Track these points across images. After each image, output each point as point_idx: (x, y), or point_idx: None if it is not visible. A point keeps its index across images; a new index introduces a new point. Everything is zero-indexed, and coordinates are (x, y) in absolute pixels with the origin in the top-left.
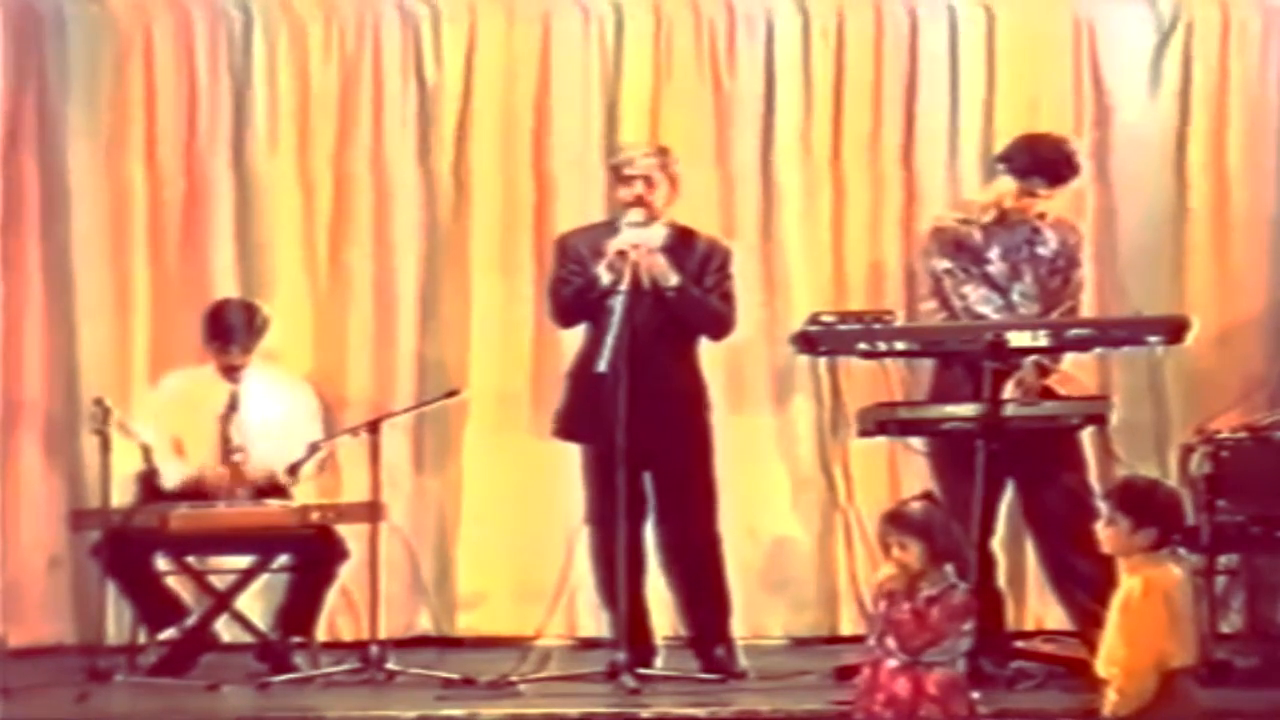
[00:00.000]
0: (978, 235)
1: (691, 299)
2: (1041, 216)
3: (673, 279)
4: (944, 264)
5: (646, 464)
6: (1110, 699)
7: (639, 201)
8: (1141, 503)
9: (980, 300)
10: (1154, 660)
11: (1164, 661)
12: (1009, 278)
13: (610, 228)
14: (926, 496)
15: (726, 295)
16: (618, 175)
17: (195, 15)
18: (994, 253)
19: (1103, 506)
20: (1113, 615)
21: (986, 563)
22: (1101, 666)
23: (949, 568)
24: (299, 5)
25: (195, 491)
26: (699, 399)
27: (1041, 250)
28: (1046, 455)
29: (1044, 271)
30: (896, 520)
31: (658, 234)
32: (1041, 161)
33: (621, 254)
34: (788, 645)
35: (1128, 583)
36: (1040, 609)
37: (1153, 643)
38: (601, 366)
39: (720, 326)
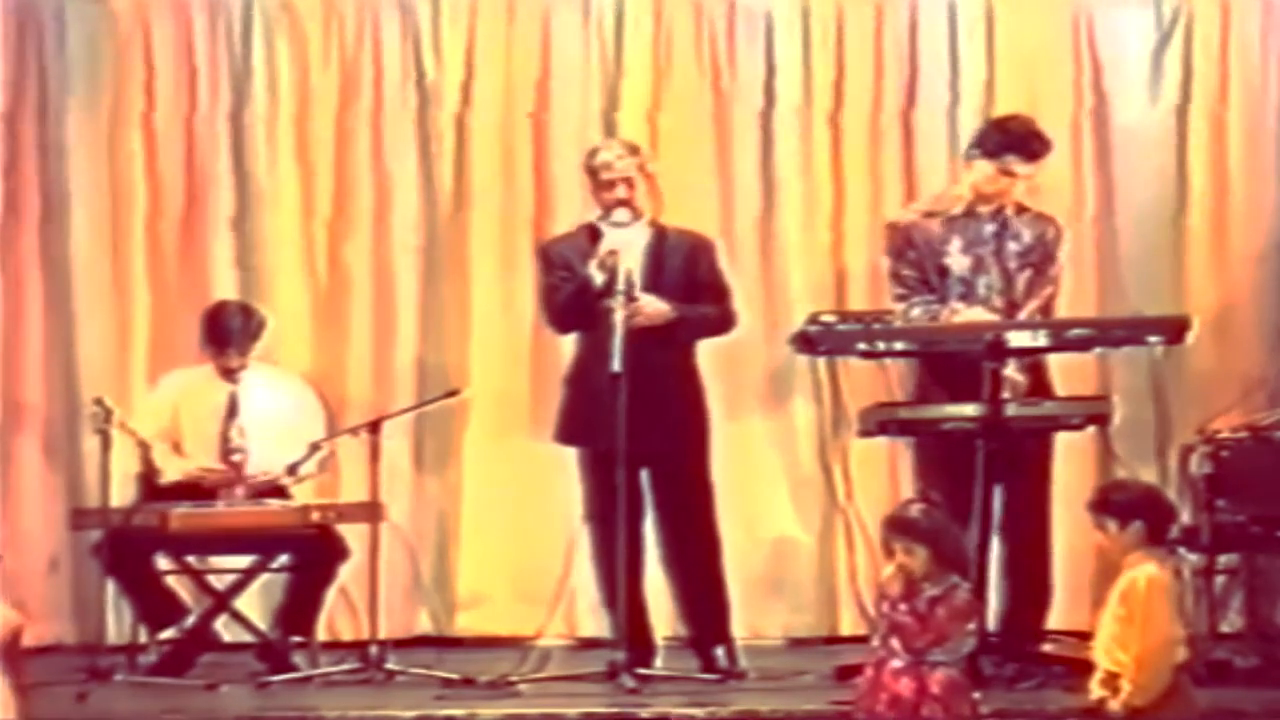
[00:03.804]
0: (937, 228)
1: (692, 322)
2: (1022, 211)
3: (670, 313)
4: (888, 264)
5: (645, 464)
6: (1124, 689)
7: (622, 203)
8: (1122, 501)
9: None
10: (1167, 651)
11: (1174, 653)
12: (972, 270)
13: (591, 231)
14: (924, 498)
15: (722, 290)
16: (596, 180)
17: (195, 14)
18: (954, 245)
19: (1089, 517)
20: (1112, 607)
21: (985, 563)
22: (1103, 657)
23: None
24: (299, 4)
25: (195, 491)
26: (697, 399)
27: (1012, 244)
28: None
29: (1013, 265)
30: (900, 526)
31: (641, 234)
32: (1013, 138)
33: (613, 252)
34: (787, 645)
35: (1129, 575)
36: None
37: (1165, 634)
38: (615, 366)
39: (723, 327)
